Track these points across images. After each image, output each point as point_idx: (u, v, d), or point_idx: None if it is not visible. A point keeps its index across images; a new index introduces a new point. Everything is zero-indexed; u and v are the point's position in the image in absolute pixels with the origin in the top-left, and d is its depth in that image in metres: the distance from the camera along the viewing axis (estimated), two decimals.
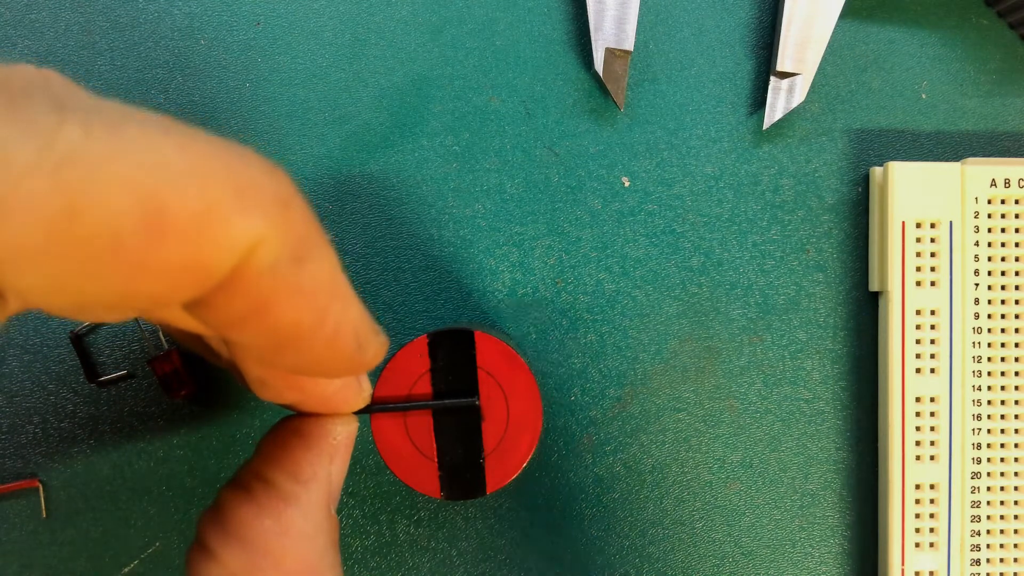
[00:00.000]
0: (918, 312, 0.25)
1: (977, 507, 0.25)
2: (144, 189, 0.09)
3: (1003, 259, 0.25)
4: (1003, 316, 0.25)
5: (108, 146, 0.09)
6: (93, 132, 0.09)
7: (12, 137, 0.08)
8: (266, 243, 0.10)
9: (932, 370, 0.25)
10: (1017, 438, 0.25)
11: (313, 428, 0.17)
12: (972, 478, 0.25)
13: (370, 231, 0.26)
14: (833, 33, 0.26)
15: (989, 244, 0.25)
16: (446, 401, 0.20)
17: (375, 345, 0.14)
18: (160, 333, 0.25)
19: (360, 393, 0.17)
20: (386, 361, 0.21)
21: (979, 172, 0.25)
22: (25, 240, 0.08)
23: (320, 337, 0.12)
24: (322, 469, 0.16)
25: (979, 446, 0.25)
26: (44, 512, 0.25)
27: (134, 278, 0.09)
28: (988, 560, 0.25)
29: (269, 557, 0.14)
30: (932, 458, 0.25)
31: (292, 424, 0.17)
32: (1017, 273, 0.25)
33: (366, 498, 0.26)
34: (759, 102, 0.27)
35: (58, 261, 0.09)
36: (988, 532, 0.25)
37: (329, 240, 0.12)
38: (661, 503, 0.27)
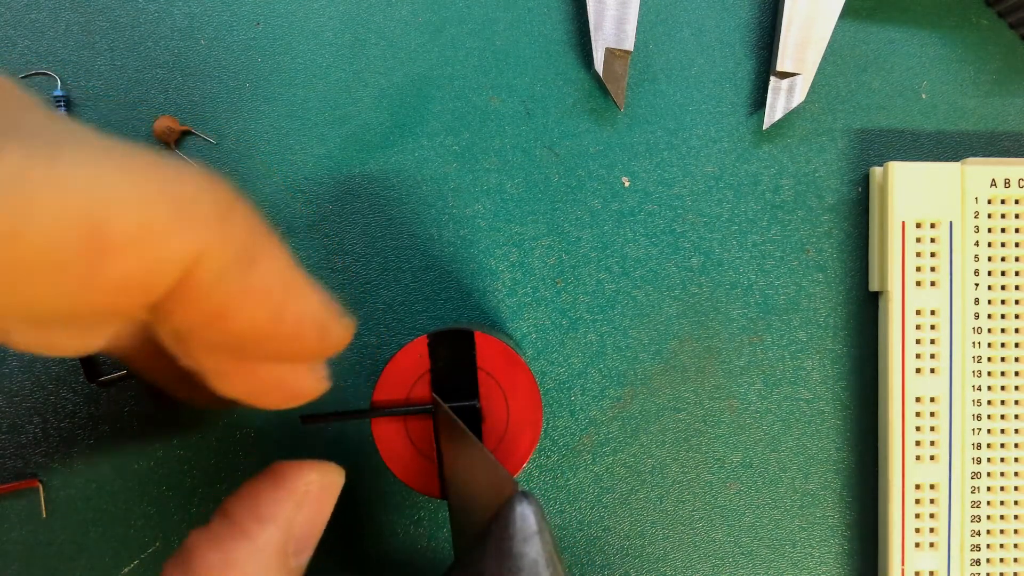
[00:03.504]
0: (918, 312, 0.25)
1: (977, 507, 0.25)
2: (84, 210, 0.09)
3: (1003, 259, 0.25)
4: (1003, 316, 0.25)
5: (48, 170, 0.09)
6: (33, 156, 0.09)
7: None
8: (208, 255, 0.11)
9: (932, 370, 0.25)
10: (1017, 438, 0.25)
11: (287, 470, 0.16)
12: (972, 478, 0.25)
13: (370, 231, 0.26)
14: (833, 33, 0.26)
15: (989, 244, 0.25)
16: (446, 405, 0.20)
17: (339, 329, 0.14)
18: None
19: (311, 377, 0.17)
20: (386, 361, 0.21)
21: (979, 172, 0.25)
22: None
23: (281, 332, 0.13)
24: (282, 511, 0.15)
25: (979, 446, 0.25)
26: (44, 512, 0.25)
27: (80, 293, 0.10)
28: (988, 560, 0.25)
29: None
30: (932, 458, 0.25)
31: (272, 465, 0.17)
32: (1017, 273, 0.25)
33: (366, 498, 0.26)
34: (759, 102, 0.27)
35: (2, 278, 0.09)
36: (988, 532, 0.25)
37: (278, 239, 0.13)
38: (661, 503, 0.27)
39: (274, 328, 0.13)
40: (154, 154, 0.10)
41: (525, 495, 0.16)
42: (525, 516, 0.16)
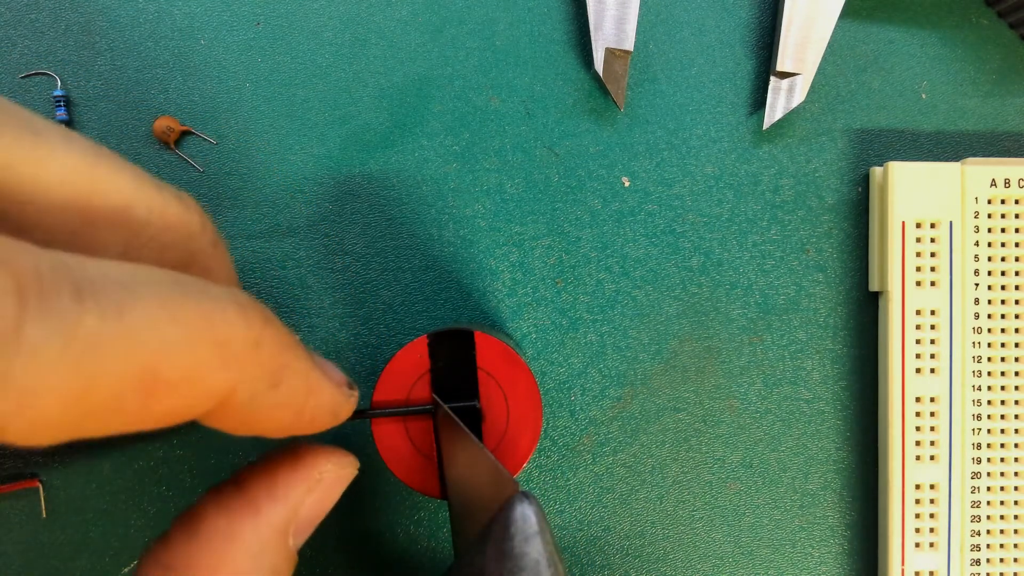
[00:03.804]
0: (918, 312, 0.25)
1: (977, 507, 0.25)
2: (144, 361, 0.10)
3: (1003, 259, 0.25)
4: (1003, 316, 0.25)
5: (117, 328, 0.10)
6: (106, 316, 0.10)
7: (43, 335, 0.09)
8: (242, 383, 0.12)
9: (932, 370, 0.25)
10: (1017, 438, 0.25)
11: (307, 454, 0.17)
12: (972, 478, 0.25)
13: (370, 231, 0.26)
14: (833, 33, 0.26)
15: (989, 244, 0.25)
16: (446, 406, 0.20)
17: (348, 406, 0.16)
18: None
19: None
20: (386, 361, 0.21)
21: (979, 172, 0.25)
22: (44, 416, 0.09)
23: (300, 424, 0.15)
24: (294, 493, 0.16)
25: (979, 446, 0.25)
26: (44, 512, 0.25)
27: (128, 425, 0.11)
28: (988, 560, 0.25)
29: (210, 557, 0.15)
30: (932, 458, 0.25)
31: (293, 445, 0.17)
32: (1017, 273, 0.25)
33: (366, 498, 0.26)
34: (759, 102, 0.27)
35: (67, 423, 0.10)
36: (988, 532, 0.25)
37: (299, 343, 0.14)
38: (661, 503, 0.27)
39: (295, 423, 0.14)
40: (196, 282, 0.12)
41: (526, 495, 0.16)
42: (526, 516, 0.16)
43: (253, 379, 0.12)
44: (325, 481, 0.17)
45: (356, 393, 0.17)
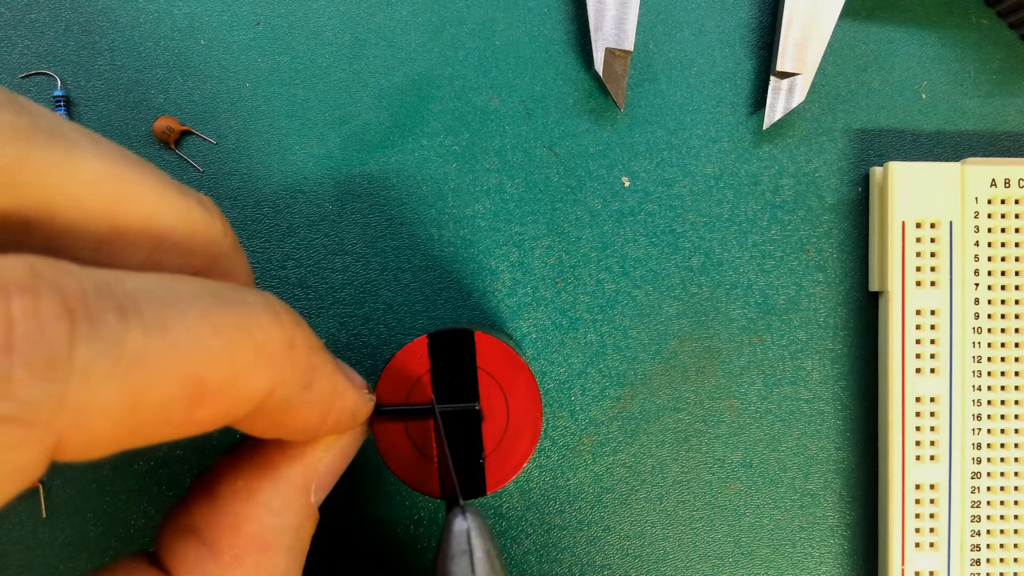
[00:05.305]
0: (918, 312, 0.25)
1: (977, 507, 0.25)
2: (189, 372, 0.11)
3: (1003, 259, 0.25)
4: (1003, 316, 0.25)
5: (161, 343, 0.10)
6: (150, 332, 0.10)
7: (92, 356, 0.09)
8: (278, 387, 0.13)
9: (932, 370, 0.25)
10: (1017, 438, 0.25)
11: None
12: (972, 478, 0.25)
13: (370, 231, 0.26)
14: (833, 33, 0.26)
15: (989, 244, 0.25)
16: (446, 406, 0.20)
17: (367, 409, 0.17)
18: None
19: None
20: (386, 361, 0.21)
21: (979, 172, 0.25)
22: (97, 433, 0.10)
23: (325, 426, 0.15)
24: (311, 454, 0.17)
25: (979, 446, 0.25)
26: (44, 512, 0.25)
27: (174, 433, 0.11)
28: (988, 560, 0.25)
29: (231, 516, 0.15)
30: (932, 458, 0.25)
31: None
32: (1017, 273, 0.25)
33: (366, 498, 0.26)
34: (759, 102, 0.27)
35: (118, 437, 0.10)
36: (988, 532, 0.25)
37: (324, 348, 0.15)
38: (661, 503, 0.27)
39: (320, 425, 0.15)
40: (230, 290, 0.12)
41: (463, 511, 0.17)
42: (459, 534, 0.16)
43: (289, 380, 0.13)
44: (343, 439, 0.17)
45: (374, 397, 0.17)
